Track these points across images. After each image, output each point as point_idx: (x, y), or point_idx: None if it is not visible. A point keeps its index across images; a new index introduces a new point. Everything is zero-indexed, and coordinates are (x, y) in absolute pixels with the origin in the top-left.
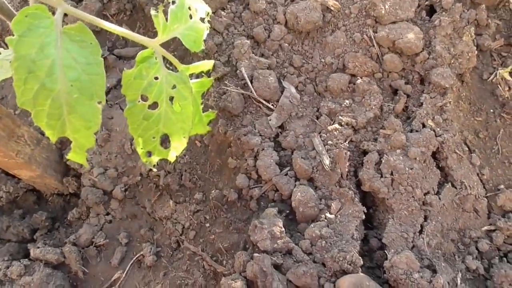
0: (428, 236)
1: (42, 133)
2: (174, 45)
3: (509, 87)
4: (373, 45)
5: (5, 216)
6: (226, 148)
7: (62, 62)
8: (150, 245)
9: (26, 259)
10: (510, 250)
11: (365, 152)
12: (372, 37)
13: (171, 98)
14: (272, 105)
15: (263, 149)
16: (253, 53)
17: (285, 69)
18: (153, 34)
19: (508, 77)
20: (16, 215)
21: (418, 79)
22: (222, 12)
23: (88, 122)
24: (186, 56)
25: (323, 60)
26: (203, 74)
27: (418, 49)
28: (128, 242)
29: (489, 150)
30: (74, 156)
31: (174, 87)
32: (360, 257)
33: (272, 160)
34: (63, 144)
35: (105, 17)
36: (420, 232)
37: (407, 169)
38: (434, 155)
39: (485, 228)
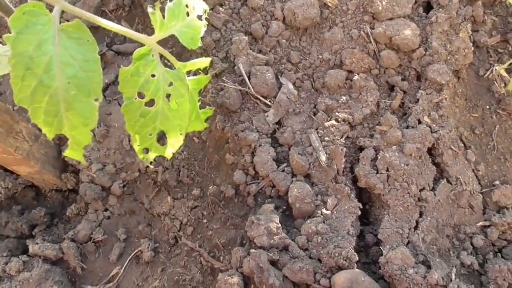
0: (423, 232)
1: (40, 129)
2: (172, 42)
3: (505, 84)
4: (370, 42)
5: (3, 212)
6: (224, 144)
7: (59, 59)
8: (148, 241)
9: (25, 255)
10: (505, 246)
11: (361, 148)
12: (369, 33)
13: (168, 96)
14: (269, 101)
15: (260, 145)
16: (250, 49)
17: (283, 65)
18: (151, 30)
19: (504, 74)
20: (15, 211)
21: (415, 76)
22: (220, 8)
23: (85, 119)
24: (184, 53)
25: (320, 56)
26: (200, 71)
27: (414, 46)
28: (126, 238)
29: (484, 146)
30: (71, 153)
31: (171, 84)
32: (355, 253)
33: (269, 156)
34: (61, 140)
35: (103, 13)
36: (415, 228)
37: (402, 165)
38: (429, 151)
39: (480, 223)
